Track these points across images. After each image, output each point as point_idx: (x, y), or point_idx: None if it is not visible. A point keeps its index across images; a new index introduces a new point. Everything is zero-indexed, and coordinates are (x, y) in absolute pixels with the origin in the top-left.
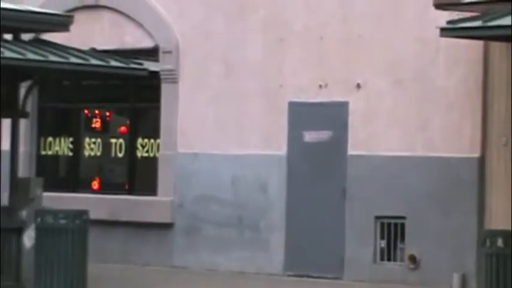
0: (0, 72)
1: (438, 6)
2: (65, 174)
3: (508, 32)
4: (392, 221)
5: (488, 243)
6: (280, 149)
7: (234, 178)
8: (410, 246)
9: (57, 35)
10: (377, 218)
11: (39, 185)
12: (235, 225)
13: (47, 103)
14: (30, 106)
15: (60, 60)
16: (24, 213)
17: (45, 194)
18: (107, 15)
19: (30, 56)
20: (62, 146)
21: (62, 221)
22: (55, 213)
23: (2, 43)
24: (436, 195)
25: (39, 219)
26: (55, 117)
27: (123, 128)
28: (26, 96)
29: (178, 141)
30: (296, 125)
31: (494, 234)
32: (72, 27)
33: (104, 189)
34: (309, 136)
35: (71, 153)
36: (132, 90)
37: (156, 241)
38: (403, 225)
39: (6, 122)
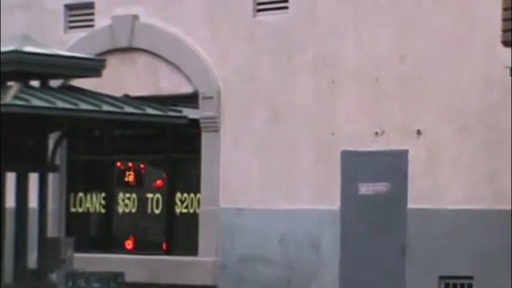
0: (28, 123)
1: (507, 43)
2: (97, 233)
3: None
4: (459, 281)
5: None
6: (333, 203)
7: (282, 236)
8: None
9: (88, 80)
10: (441, 278)
11: (70, 245)
12: None
13: (76, 155)
14: (59, 159)
15: (92, 109)
16: (54, 276)
17: (76, 255)
18: (141, 58)
19: (60, 104)
20: (93, 203)
21: (96, 285)
22: (87, 276)
23: (29, 91)
24: (507, 252)
25: (70, 283)
26: (85, 171)
27: (159, 182)
28: (55, 148)
29: (220, 196)
30: (350, 177)
31: None
32: (104, 72)
33: (139, 249)
34: (365, 188)
35: (103, 210)
36: (169, 140)
37: None
38: (470, 286)
39: (34, 177)
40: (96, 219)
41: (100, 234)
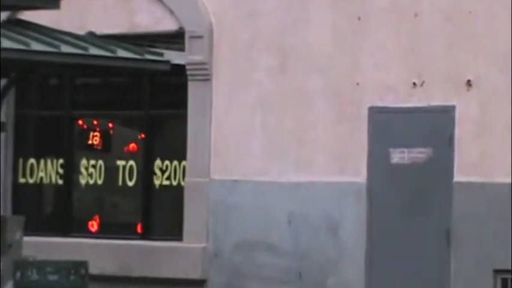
0: None
1: None
2: (53, 211)
3: None
4: None
5: None
6: (358, 174)
7: (291, 216)
8: None
9: (43, 13)
10: (497, 272)
11: (18, 226)
12: (293, 283)
13: (27, 110)
14: (4, 115)
15: (47, 50)
16: None
17: (26, 238)
18: None
19: (6, 43)
20: (48, 171)
21: (52, 277)
22: (41, 265)
23: None
24: None
25: (18, 275)
26: (38, 131)
27: (133, 146)
28: None
29: (212, 164)
30: (380, 141)
31: None
32: (63, 3)
33: (107, 231)
34: (399, 156)
35: (60, 181)
36: (146, 91)
37: None
38: None
39: None
40: (51, 193)
41: (57, 212)
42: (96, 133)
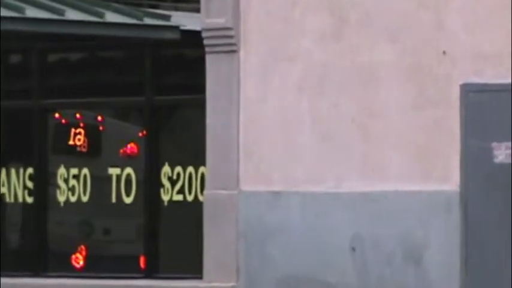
0: None
1: None
2: (22, 242)
3: None
4: None
5: None
6: (448, 180)
7: (355, 240)
8: None
9: None
10: None
11: None
12: None
13: None
14: None
15: (8, 15)
16: None
17: None
18: None
19: None
20: (12, 185)
21: None
22: None
23: None
24: None
25: None
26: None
27: (132, 147)
28: None
29: (241, 170)
30: (478, 132)
31: None
32: None
33: (97, 268)
34: (505, 153)
35: (30, 199)
36: (148, 70)
37: None
38: None
39: None
40: (18, 216)
41: (27, 242)
42: (79, 130)
